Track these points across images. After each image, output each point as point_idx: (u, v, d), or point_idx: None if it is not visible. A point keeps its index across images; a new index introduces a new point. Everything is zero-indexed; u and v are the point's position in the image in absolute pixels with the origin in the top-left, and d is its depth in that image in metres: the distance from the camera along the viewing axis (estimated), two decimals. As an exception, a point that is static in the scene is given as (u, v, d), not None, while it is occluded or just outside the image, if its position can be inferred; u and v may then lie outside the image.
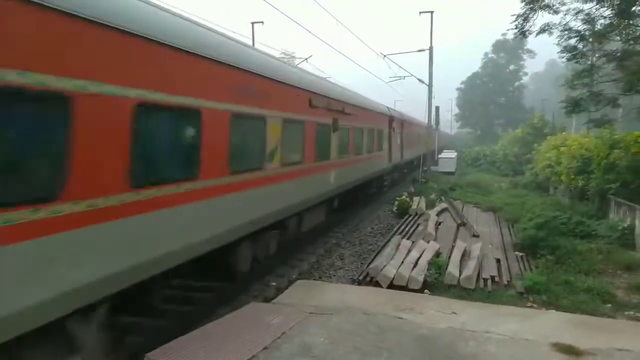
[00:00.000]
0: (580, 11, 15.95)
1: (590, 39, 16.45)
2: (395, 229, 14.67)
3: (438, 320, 6.85)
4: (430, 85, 31.42)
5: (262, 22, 33.06)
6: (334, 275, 10.61)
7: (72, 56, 4.20)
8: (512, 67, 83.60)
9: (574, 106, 17.11)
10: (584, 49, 16.94)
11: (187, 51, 5.77)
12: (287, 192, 9.45)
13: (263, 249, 9.33)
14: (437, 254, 11.03)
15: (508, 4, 18.84)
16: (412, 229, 14.64)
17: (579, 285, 9.16)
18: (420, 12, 31.63)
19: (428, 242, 12.07)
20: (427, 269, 9.65)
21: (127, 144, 4.83)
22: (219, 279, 8.52)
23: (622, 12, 14.68)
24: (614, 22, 15.32)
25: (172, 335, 5.93)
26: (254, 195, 7.82)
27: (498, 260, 10.90)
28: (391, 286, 8.98)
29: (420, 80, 32.83)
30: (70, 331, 4.61)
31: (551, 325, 6.84)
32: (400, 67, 33.68)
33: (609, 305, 8.47)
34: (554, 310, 7.91)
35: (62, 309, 4.14)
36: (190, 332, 6.11)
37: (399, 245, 11.61)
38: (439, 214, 16.83)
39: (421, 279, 9.12)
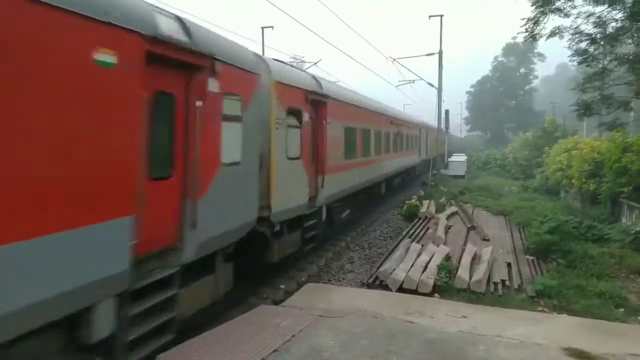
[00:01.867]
0: (591, 14, 15.81)
1: (602, 42, 16.29)
2: (404, 233, 14.63)
3: (448, 324, 6.82)
4: (439, 89, 31.38)
5: (272, 27, 33.28)
6: (344, 279, 10.61)
7: None
8: (522, 70, 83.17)
9: (585, 109, 16.94)
10: (595, 52, 16.77)
11: None
12: None
13: None
14: (447, 258, 10.98)
15: (518, 7, 18.76)
16: (422, 232, 14.59)
17: (590, 290, 9.09)
18: (429, 16, 31.66)
19: (438, 245, 12.03)
20: (437, 273, 9.62)
21: None
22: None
23: (634, 15, 14.53)
24: (626, 25, 15.17)
25: (183, 337, 5.96)
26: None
27: (508, 264, 10.83)
28: (401, 290, 8.96)
29: (429, 84, 32.80)
30: None
31: (562, 329, 6.78)
32: (409, 70, 33.70)
33: (622, 309, 8.39)
34: (565, 315, 7.84)
35: None
36: (200, 334, 6.15)
37: (408, 248, 11.58)
38: (448, 217, 16.75)
39: (431, 282, 9.09)
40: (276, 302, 8.30)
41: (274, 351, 5.58)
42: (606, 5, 15.27)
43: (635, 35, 15.41)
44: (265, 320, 6.67)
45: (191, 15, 7.39)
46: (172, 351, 5.51)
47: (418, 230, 14.86)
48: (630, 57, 15.50)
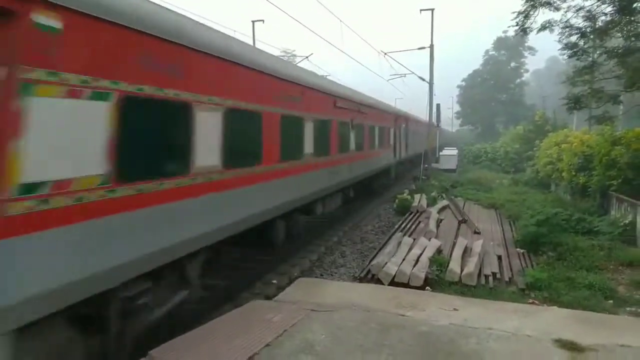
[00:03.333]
0: (581, 8, 15.90)
1: (591, 36, 16.39)
2: (396, 227, 14.67)
3: (439, 317, 6.85)
4: (431, 83, 31.39)
5: (262, 21, 33.06)
6: (336, 273, 10.63)
7: None
8: (513, 64, 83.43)
9: (575, 103, 17.07)
10: (585, 46, 16.87)
11: None
12: None
13: None
14: (439, 251, 11.03)
15: (509, 1, 18.79)
16: (414, 226, 14.64)
17: (580, 282, 9.17)
18: (420, 10, 31.58)
19: (429, 239, 12.07)
20: (429, 266, 9.66)
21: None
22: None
23: (623, 9, 14.62)
24: (615, 19, 15.25)
25: (175, 332, 5.94)
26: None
27: (499, 257, 10.90)
28: (393, 283, 8.99)
29: (421, 78, 32.81)
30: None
31: (553, 321, 6.84)
32: (401, 64, 33.69)
33: (611, 301, 8.48)
34: (555, 307, 7.90)
35: None
36: (193, 329, 6.13)
37: (400, 242, 11.61)
38: (440, 211, 16.82)
39: (423, 275, 9.12)
40: (269, 297, 8.29)
41: (266, 346, 5.58)
42: (596, -1, 15.38)
43: (625, 29, 15.51)
44: (258, 315, 6.66)
45: (181, 9, 7.32)
46: (164, 346, 5.49)
47: (410, 224, 14.91)
48: (620, 50, 15.60)
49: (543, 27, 16.65)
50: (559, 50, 18.04)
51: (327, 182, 12.32)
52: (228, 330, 6.10)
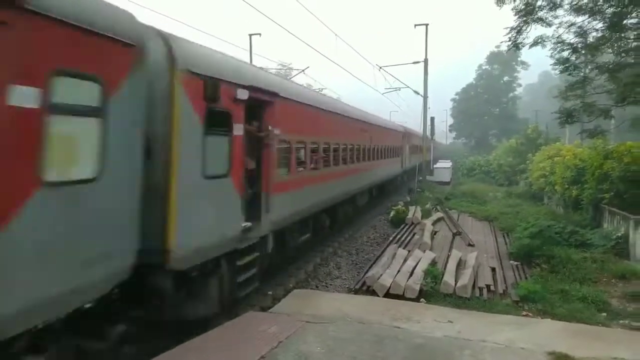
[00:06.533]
0: (572, 24, 16.15)
1: (583, 51, 16.64)
2: (391, 238, 14.70)
3: (434, 329, 6.87)
4: (425, 97, 31.66)
5: (259, 34, 33.26)
6: (331, 284, 10.62)
7: None
8: (506, 78, 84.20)
9: (567, 117, 17.24)
10: (577, 61, 17.12)
11: None
12: None
13: None
14: (433, 263, 11.07)
15: (503, 16, 19.07)
16: (408, 238, 14.68)
17: (573, 294, 9.23)
18: (415, 25, 31.95)
19: (424, 251, 12.11)
20: (423, 278, 9.68)
21: None
22: None
23: (614, 25, 14.87)
24: (606, 35, 15.51)
25: (169, 345, 5.91)
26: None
27: (493, 269, 10.95)
28: (387, 295, 9.00)
29: (415, 92, 33.09)
30: None
31: (547, 333, 6.87)
32: (395, 78, 33.97)
33: (604, 314, 8.54)
34: (549, 319, 7.95)
35: None
36: (187, 341, 6.10)
37: (395, 254, 11.64)
38: (434, 223, 16.88)
39: (417, 287, 9.14)
40: (263, 309, 8.27)
41: (260, 358, 5.57)
42: (587, 16, 15.62)
43: (615, 44, 15.76)
44: (252, 327, 6.65)
45: (180, 23, 7.43)
46: (159, 358, 5.46)
47: (404, 236, 14.95)
48: (611, 66, 15.81)
49: (535, 43, 16.86)
50: (551, 65, 18.29)
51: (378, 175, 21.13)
52: (223, 342, 6.09)
